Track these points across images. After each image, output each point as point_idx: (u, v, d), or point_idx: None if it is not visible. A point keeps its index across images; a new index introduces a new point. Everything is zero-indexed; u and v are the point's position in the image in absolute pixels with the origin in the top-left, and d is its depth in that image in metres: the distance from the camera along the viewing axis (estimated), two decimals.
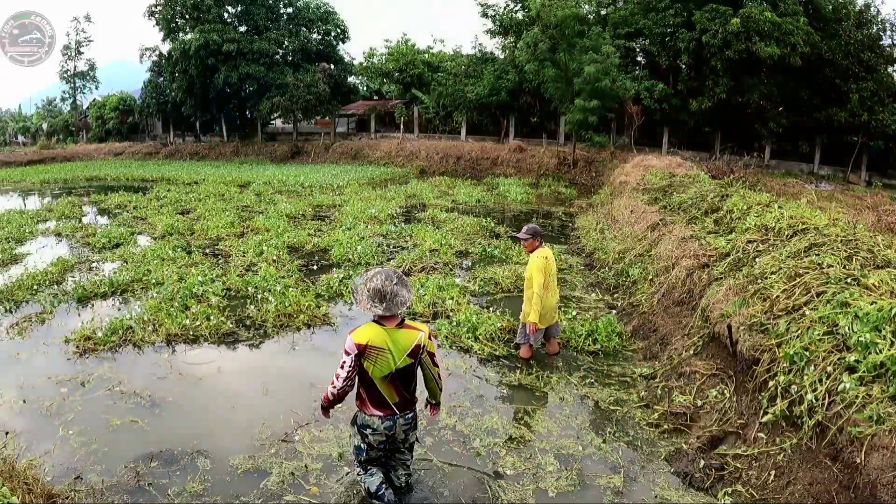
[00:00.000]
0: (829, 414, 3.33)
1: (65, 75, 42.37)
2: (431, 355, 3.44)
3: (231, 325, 6.54)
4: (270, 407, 4.83)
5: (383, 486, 3.52)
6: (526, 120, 28.79)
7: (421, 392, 3.57)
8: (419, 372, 3.48)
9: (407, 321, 3.39)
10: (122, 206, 15.45)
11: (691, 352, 5.24)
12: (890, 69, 21.54)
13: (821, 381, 3.50)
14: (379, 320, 3.33)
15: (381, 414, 3.36)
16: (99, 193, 18.29)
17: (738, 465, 3.78)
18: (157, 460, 4.06)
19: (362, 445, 3.49)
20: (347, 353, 3.28)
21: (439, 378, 3.56)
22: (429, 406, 3.74)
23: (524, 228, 5.73)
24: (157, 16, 34.01)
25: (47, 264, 8.95)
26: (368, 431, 3.41)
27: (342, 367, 3.29)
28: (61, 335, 6.24)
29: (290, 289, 7.50)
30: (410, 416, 3.46)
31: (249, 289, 7.67)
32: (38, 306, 7.26)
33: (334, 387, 3.34)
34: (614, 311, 7.04)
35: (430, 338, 3.41)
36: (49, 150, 35.66)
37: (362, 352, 3.25)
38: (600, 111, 19.93)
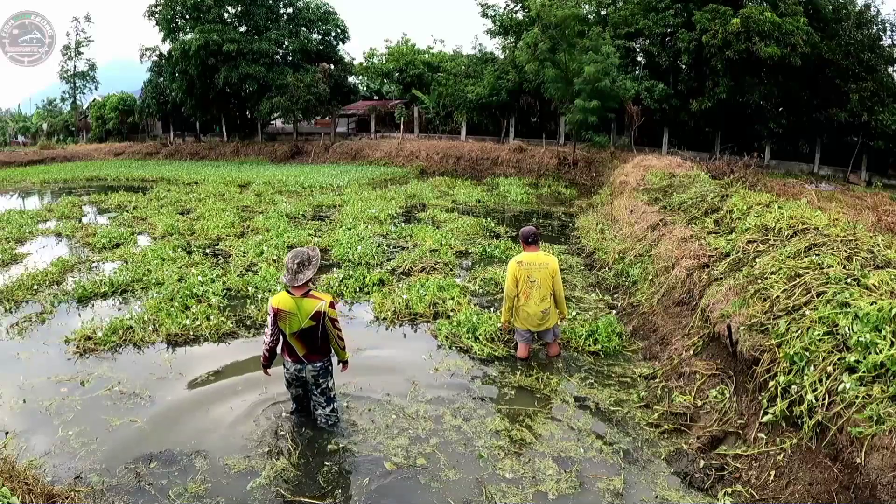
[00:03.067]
0: (829, 414, 3.33)
1: (65, 75, 42.30)
2: (333, 321, 4.22)
3: (231, 325, 6.54)
4: (269, 406, 4.83)
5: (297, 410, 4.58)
6: (526, 120, 28.74)
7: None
8: (326, 332, 4.26)
9: (312, 292, 4.18)
10: (123, 206, 15.45)
11: (691, 352, 5.24)
12: (890, 69, 21.49)
13: (821, 381, 3.50)
14: (290, 289, 4.16)
15: (291, 360, 4.30)
16: (99, 193, 18.28)
17: (738, 465, 3.78)
18: (157, 460, 4.07)
19: (285, 383, 4.51)
20: (269, 314, 4.22)
21: (339, 339, 4.32)
22: (341, 365, 4.54)
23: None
24: (157, 16, 33.89)
25: (47, 264, 8.96)
26: (284, 371, 4.42)
27: (267, 326, 4.27)
28: (61, 335, 6.25)
29: None
30: (319, 364, 4.30)
31: (249, 289, 7.68)
32: (38, 306, 7.27)
33: (265, 343, 4.34)
34: (614, 312, 7.04)
35: (331, 306, 4.18)
36: (49, 150, 35.49)
37: (276, 313, 4.14)
38: (600, 111, 19.92)
